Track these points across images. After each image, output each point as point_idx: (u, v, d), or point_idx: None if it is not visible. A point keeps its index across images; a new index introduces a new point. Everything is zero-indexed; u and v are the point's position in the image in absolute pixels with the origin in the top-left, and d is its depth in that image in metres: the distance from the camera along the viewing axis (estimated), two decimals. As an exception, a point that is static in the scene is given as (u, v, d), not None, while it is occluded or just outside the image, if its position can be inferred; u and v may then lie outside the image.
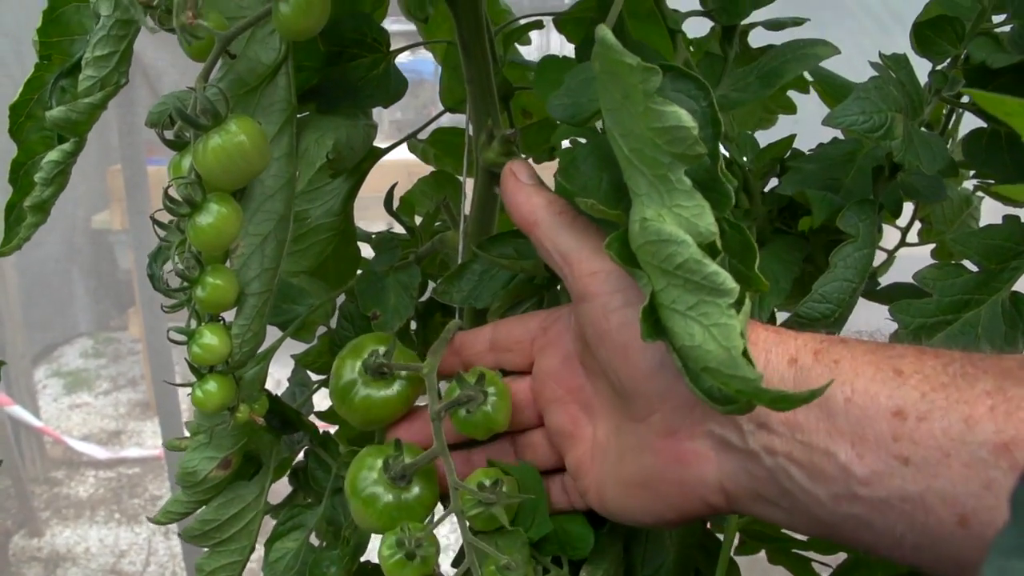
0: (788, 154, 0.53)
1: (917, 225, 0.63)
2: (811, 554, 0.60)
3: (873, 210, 0.42)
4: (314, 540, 0.57)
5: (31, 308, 3.27)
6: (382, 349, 0.44)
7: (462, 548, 0.49)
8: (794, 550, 0.58)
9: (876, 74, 0.42)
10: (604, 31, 0.28)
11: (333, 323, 0.56)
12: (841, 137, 0.53)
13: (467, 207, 0.52)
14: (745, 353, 0.28)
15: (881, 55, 0.43)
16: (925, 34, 0.45)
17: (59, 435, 2.99)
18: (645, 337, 0.31)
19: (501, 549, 0.43)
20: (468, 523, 0.42)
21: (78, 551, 2.64)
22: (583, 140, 0.38)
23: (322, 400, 0.61)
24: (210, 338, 0.42)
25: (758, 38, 0.51)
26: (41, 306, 3.57)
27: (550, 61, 0.44)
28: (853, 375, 0.33)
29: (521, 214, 0.40)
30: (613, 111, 0.31)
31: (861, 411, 0.32)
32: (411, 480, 0.43)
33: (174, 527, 2.66)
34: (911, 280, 0.46)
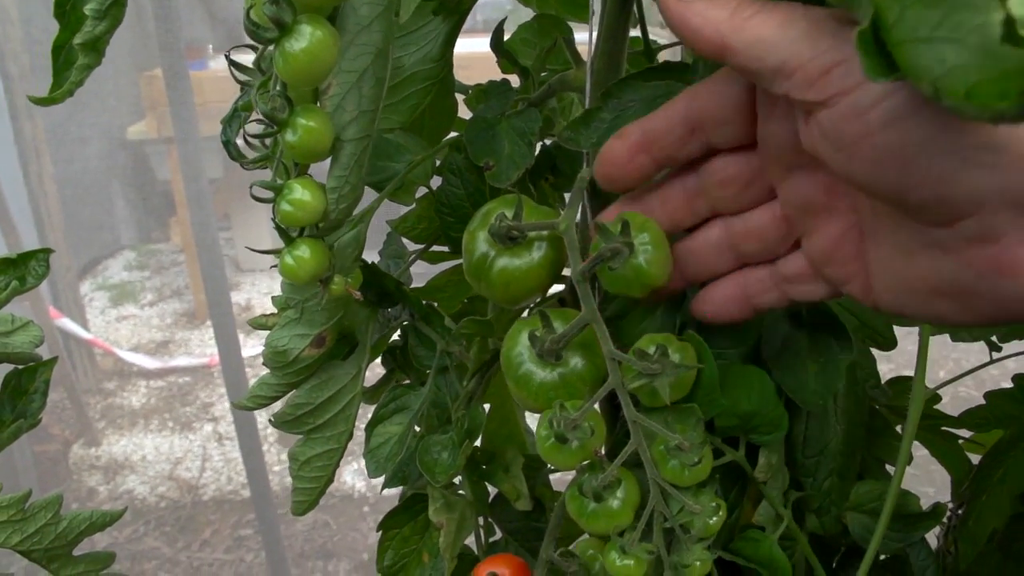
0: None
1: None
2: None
3: None
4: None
5: (72, 222, 3.26)
6: (510, 212, 0.38)
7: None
8: (943, 428, 0.53)
9: None
10: None
11: (433, 185, 0.50)
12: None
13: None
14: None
15: None
16: None
17: (109, 346, 3.01)
18: (872, 73, 0.24)
19: (671, 427, 0.37)
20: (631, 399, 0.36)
21: (135, 459, 2.68)
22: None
23: (418, 278, 0.55)
24: (302, 192, 0.36)
25: None
26: (82, 220, 3.57)
27: None
28: None
29: (705, 38, 0.31)
30: None
31: None
32: (566, 353, 0.37)
33: (227, 432, 2.70)
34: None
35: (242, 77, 0.37)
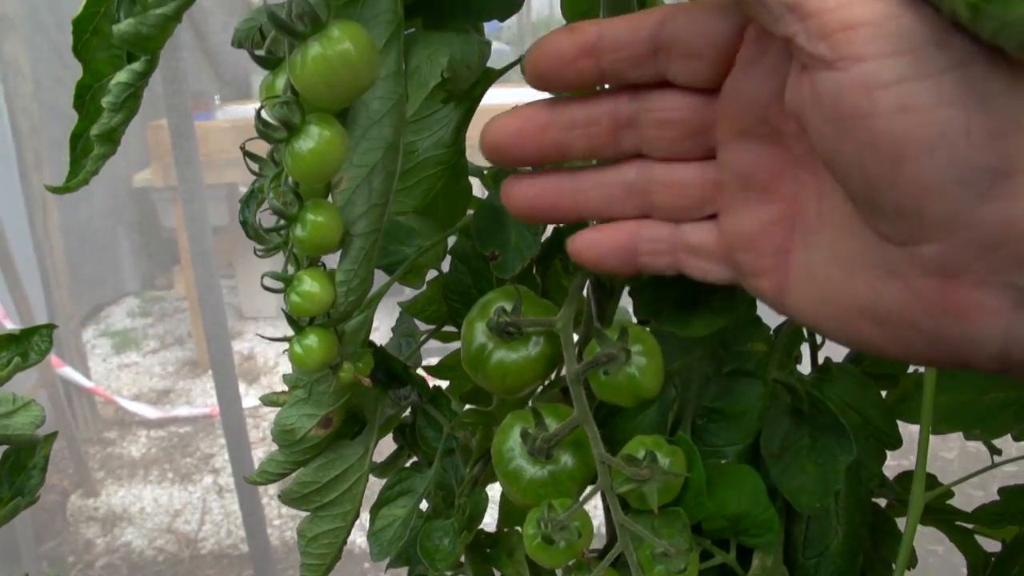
0: None
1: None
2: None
3: None
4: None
5: (77, 269, 3.27)
6: (509, 305, 0.39)
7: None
8: (958, 523, 0.52)
9: None
10: None
11: (444, 266, 0.51)
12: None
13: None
14: None
15: None
16: None
17: (110, 395, 3.00)
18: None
19: (658, 531, 0.37)
20: (620, 501, 0.37)
21: (133, 511, 2.65)
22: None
23: (431, 354, 0.55)
24: (311, 284, 0.37)
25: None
26: (87, 267, 3.58)
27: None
28: None
29: None
30: None
31: None
32: (557, 451, 0.37)
33: (228, 484, 2.67)
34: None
35: (254, 167, 0.38)
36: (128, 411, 3.02)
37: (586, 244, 0.34)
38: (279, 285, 0.37)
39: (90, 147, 0.41)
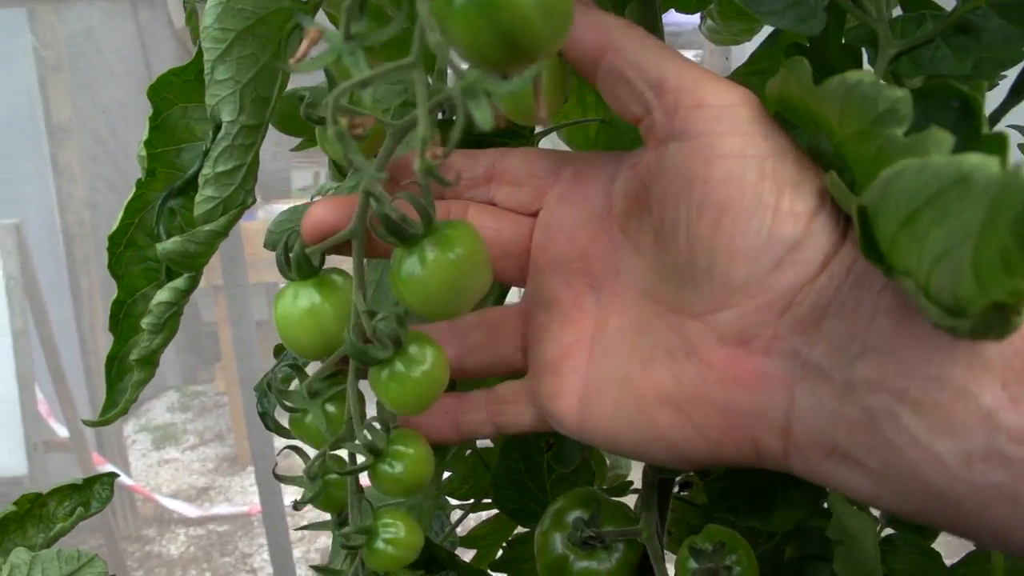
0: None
1: None
2: None
3: None
4: None
5: (121, 364, 3.30)
6: (585, 514, 0.38)
7: None
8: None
9: None
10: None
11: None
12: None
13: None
14: None
15: None
16: None
17: (150, 493, 3.00)
18: (866, 252, 0.24)
19: None
20: None
21: (170, 612, 2.63)
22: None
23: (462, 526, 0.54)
24: (400, 530, 0.32)
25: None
26: (130, 362, 3.61)
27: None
28: None
29: (589, 40, 0.29)
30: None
31: None
32: None
33: (263, 586, 2.63)
34: None
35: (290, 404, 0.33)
36: (167, 508, 3.01)
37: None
38: (362, 539, 0.32)
39: (127, 369, 0.38)
